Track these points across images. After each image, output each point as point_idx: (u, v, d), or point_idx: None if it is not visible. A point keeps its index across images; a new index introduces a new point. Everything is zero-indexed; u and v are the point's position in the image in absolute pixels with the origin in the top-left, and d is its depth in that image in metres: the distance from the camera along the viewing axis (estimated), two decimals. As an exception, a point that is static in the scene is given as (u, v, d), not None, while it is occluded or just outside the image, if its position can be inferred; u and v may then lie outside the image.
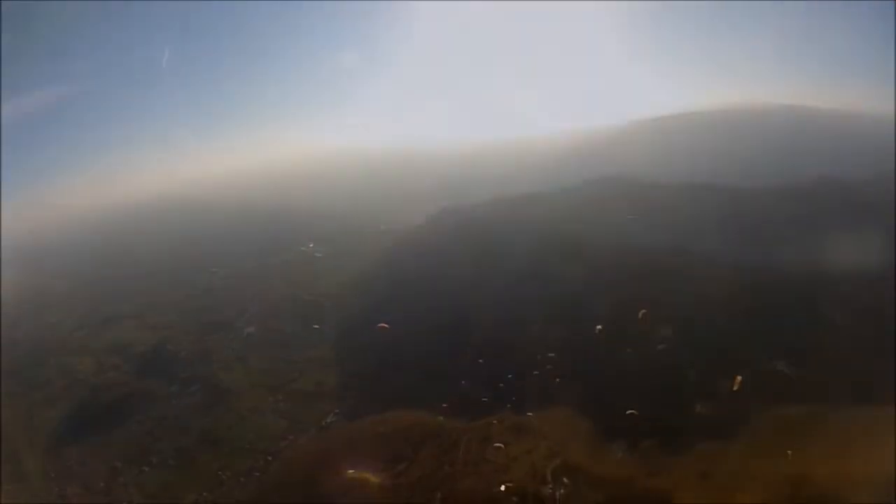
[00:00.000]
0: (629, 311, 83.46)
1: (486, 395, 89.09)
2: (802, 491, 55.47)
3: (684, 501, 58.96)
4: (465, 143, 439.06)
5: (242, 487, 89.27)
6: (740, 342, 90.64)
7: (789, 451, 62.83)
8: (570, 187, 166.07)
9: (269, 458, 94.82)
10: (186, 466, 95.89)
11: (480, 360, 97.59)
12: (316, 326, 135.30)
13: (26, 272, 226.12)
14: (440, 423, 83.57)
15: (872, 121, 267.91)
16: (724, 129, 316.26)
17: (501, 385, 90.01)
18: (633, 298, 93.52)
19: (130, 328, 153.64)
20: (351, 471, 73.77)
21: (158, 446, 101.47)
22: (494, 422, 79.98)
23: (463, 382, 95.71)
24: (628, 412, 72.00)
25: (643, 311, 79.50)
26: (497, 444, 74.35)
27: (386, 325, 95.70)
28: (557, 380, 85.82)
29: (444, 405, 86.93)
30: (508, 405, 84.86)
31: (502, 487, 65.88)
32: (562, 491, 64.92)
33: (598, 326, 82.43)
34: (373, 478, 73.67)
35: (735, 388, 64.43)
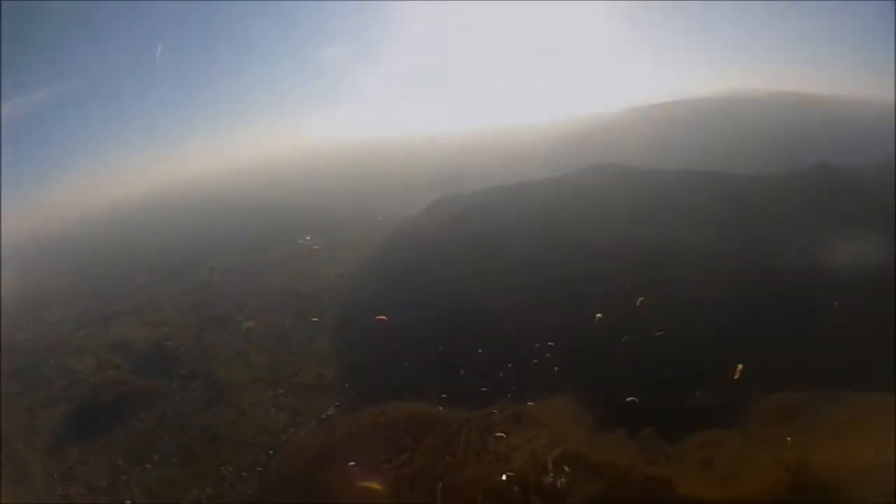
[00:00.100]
0: (627, 298, 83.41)
1: (485, 384, 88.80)
2: (802, 478, 55.61)
3: (685, 489, 59.12)
4: (460, 133, 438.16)
5: (244, 482, 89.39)
6: (739, 329, 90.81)
7: (789, 438, 63.10)
8: (565, 175, 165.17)
9: (271, 452, 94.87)
10: (188, 463, 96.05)
11: (479, 350, 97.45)
12: (315, 319, 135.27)
13: (25, 272, 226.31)
14: (440, 414, 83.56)
15: (873, 107, 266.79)
16: (721, 115, 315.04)
17: (501, 375, 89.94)
18: (630, 286, 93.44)
19: (130, 325, 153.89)
20: (352, 463, 73.97)
21: (160, 443, 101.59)
22: (495, 411, 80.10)
23: (462, 372, 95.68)
24: (628, 400, 72.27)
25: (641, 298, 79.48)
26: (499, 434, 74.54)
27: (385, 317, 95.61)
28: (557, 368, 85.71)
29: (444, 395, 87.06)
30: (508, 395, 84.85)
31: (504, 477, 66.00)
32: (563, 479, 65.02)
33: (598, 315, 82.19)
34: (374, 470, 73.97)
35: (736, 376, 64.61)
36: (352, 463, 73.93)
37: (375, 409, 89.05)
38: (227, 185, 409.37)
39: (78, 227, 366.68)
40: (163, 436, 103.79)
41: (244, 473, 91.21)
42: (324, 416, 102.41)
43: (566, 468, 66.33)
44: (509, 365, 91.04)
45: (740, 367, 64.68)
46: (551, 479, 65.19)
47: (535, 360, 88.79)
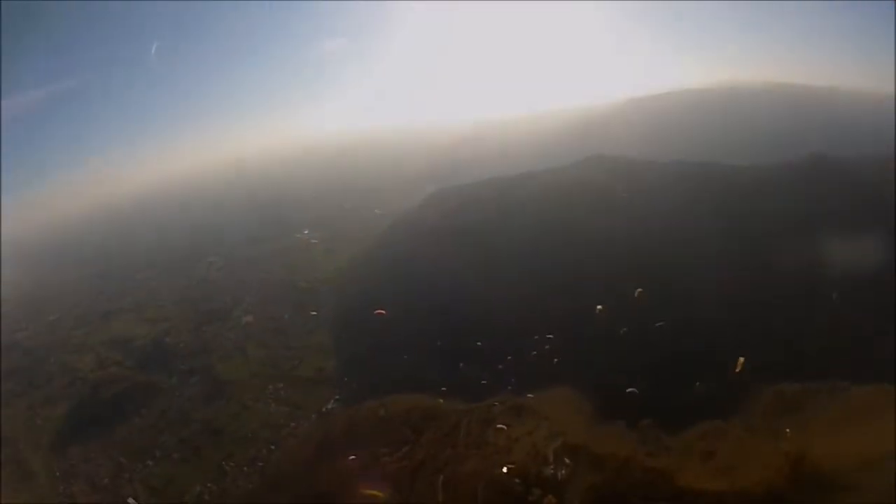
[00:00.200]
0: (625, 289, 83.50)
1: (485, 377, 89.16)
2: (802, 469, 55.77)
3: (685, 480, 59.26)
4: (457, 125, 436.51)
5: (246, 477, 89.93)
6: (737, 319, 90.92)
7: (788, 430, 63.29)
8: (563, 166, 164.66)
9: (272, 446, 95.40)
10: (190, 458, 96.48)
11: (479, 343, 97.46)
12: (314, 313, 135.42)
13: (24, 270, 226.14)
14: (440, 406, 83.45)
15: (870, 100, 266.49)
16: (717, 107, 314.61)
17: (500, 367, 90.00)
18: (628, 277, 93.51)
19: (129, 322, 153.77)
20: (353, 457, 74.18)
21: (162, 440, 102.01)
22: (496, 403, 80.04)
23: (462, 365, 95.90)
24: (628, 391, 72.44)
25: (639, 289, 79.49)
26: (499, 426, 74.67)
27: (383, 311, 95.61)
28: (556, 360, 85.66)
29: (444, 388, 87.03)
30: (508, 387, 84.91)
31: (504, 469, 66.09)
32: (564, 471, 65.22)
33: (599, 306, 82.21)
34: (375, 463, 74.24)
35: (738, 369, 64.75)
36: (353, 456, 74.08)
37: (375, 402, 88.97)
38: (225, 179, 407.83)
39: (76, 225, 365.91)
40: (164, 432, 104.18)
41: (246, 468, 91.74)
42: (324, 409, 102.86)
43: (567, 460, 66.41)
44: (509, 357, 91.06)
45: (742, 360, 64.86)
46: (552, 471, 65.36)
47: (535, 352, 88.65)
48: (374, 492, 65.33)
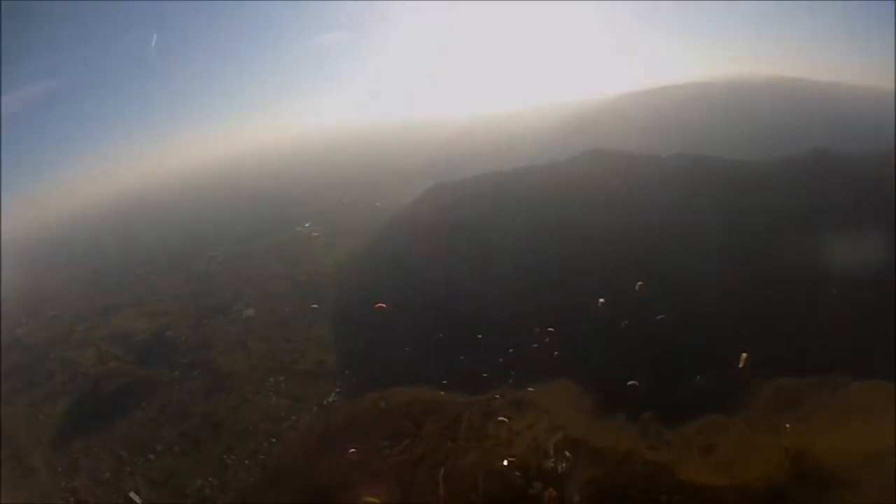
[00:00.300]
0: (625, 283, 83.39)
1: (485, 370, 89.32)
2: (803, 464, 55.89)
3: (686, 474, 59.40)
4: (456, 119, 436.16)
5: (248, 470, 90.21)
6: (738, 313, 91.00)
7: (788, 425, 63.44)
8: (561, 161, 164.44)
9: (273, 439, 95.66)
10: (191, 452, 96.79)
11: (479, 336, 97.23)
12: (314, 306, 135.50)
13: (24, 267, 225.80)
14: (441, 399, 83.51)
15: (872, 95, 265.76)
16: (717, 101, 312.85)
17: (501, 360, 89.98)
18: (628, 271, 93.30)
19: (130, 317, 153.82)
20: (354, 450, 74.31)
21: (162, 433, 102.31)
22: (496, 396, 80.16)
23: (462, 358, 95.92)
24: (629, 384, 72.57)
25: (640, 283, 79.46)
26: (500, 419, 74.82)
27: (384, 305, 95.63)
28: (556, 353, 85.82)
29: (444, 381, 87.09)
30: (509, 380, 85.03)
31: (505, 462, 66.24)
32: (564, 464, 65.33)
33: (601, 300, 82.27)
34: (376, 456, 74.39)
35: (741, 365, 64.85)
36: (353, 449, 74.23)
37: (376, 394, 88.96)
38: (225, 173, 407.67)
39: (75, 221, 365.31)
40: (165, 425, 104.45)
41: (247, 461, 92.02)
42: (325, 402, 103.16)
43: (567, 453, 66.42)
44: (509, 350, 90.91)
45: (745, 356, 64.95)
46: (553, 464, 65.47)
47: (535, 346, 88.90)
48: (373, 499, 65.20)
